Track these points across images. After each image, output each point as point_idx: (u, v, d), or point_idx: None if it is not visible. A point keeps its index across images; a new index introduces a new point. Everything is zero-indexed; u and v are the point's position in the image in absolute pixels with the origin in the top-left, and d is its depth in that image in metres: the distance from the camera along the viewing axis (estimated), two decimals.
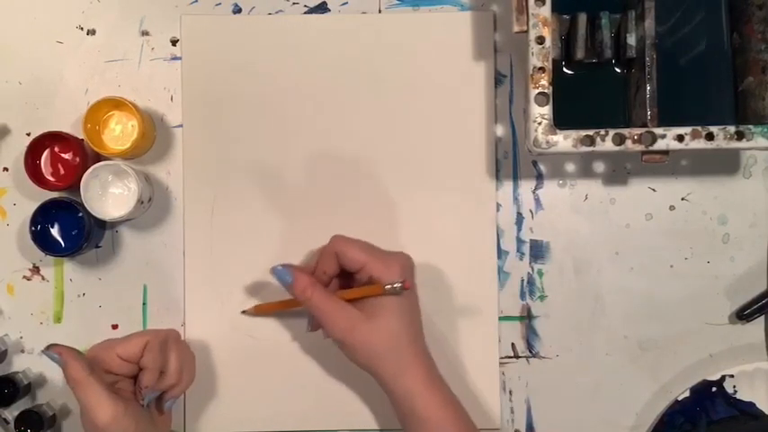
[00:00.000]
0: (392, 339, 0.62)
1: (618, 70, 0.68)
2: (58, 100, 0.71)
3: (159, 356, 0.63)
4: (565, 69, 0.68)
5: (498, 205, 0.71)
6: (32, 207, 0.67)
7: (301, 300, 0.63)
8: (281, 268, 0.64)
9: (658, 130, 0.61)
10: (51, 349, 0.59)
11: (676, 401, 0.69)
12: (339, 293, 0.64)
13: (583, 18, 0.66)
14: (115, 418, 0.59)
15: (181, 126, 0.71)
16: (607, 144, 0.61)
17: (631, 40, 0.65)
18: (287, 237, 0.71)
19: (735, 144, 0.61)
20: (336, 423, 0.70)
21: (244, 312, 0.70)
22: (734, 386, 0.69)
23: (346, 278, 0.66)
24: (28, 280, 0.71)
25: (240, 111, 0.71)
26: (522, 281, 0.71)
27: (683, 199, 0.71)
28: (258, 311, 0.70)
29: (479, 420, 0.70)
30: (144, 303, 0.71)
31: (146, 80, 0.71)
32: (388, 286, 0.61)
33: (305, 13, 0.71)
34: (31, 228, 0.67)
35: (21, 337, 0.71)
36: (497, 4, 0.71)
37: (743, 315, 0.69)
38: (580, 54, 0.66)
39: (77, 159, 0.68)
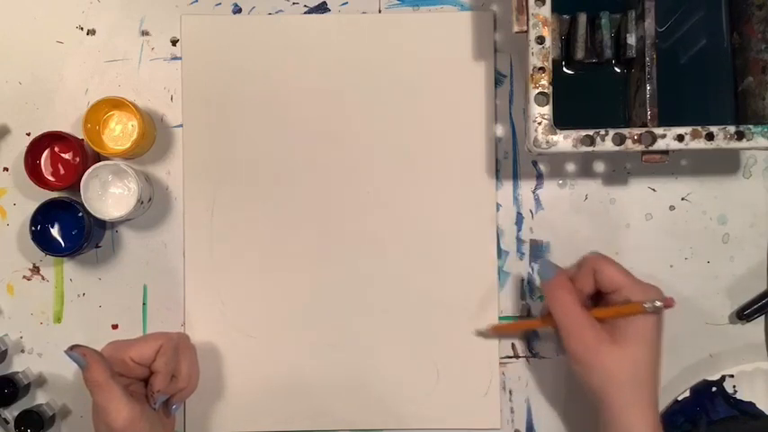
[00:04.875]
0: (635, 369, 0.59)
1: (618, 70, 0.68)
2: (57, 100, 0.71)
3: (172, 360, 0.63)
4: (565, 69, 0.68)
5: (498, 205, 0.71)
6: (32, 207, 0.67)
7: (550, 299, 0.61)
8: (545, 261, 0.62)
9: (658, 130, 0.61)
10: (75, 350, 0.59)
11: (676, 401, 0.69)
12: (593, 311, 0.61)
13: (583, 18, 0.66)
14: (132, 421, 0.59)
15: (181, 126, 0.71)
16: (607, 144, 0.61)
17: (631, 40, 0.65)
18: (287, 236, 0.71)
19: (735, 144, 0.61)
20: (336, 423, 0.70)
21: (479, 332, 0.69)
22: (734, 386, 0.69)
23: (597, 301, 0.63)
24: (28, 280, 0.71)
25: (240, 111, 0.71)
26: (522, 281, 0.71)
27: (683, 199, 0.71)
28: (496, 332, 0.68)
29: (479, 420, 0.70)
30: (144, 303, 0.71)
31: (146, 80, 0.71)
32: (648, 305, 0.58)
33: (305, 13, 0.72)
34: (31, 228, 0.67)
35: (21, 337, 0.71)
36: (497, 4, 0.71)
37: (743, 315, 0.69)
38: (580, 54, 0.66)
39: (77, 159, 0.68)
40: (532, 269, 0.71)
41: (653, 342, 0.60)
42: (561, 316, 0.60)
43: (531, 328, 0.68)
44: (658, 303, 0.59)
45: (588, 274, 0.62)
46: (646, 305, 0.59)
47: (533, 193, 0.71)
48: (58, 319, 0.71)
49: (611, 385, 0.59)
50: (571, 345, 0.60)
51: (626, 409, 0.58)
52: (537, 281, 0.70)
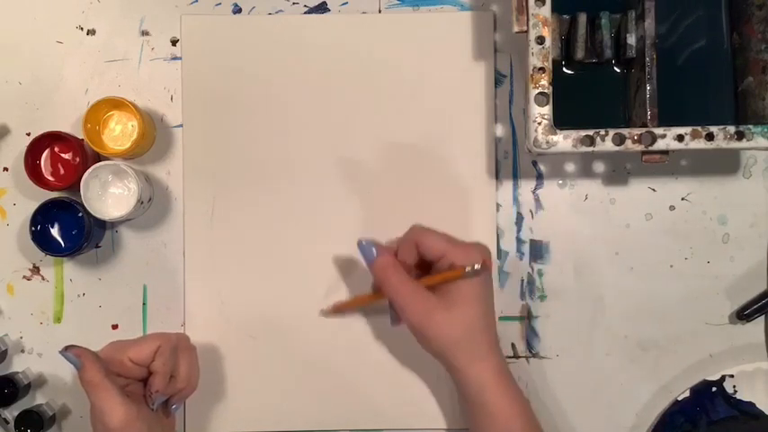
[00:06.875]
0: (468, 328, 0.61)
1: (618, 70, 0.68)
2: (57, 100, 0.71)
3: (170, 361, 0.63)
4: (565, 69, 0.68)
5: (498, 205, 0.71)
6: (32, 207, 0.67)
7: (379, 280, 0.62)
8: (365, 243, 0.63)
9: (658, 130, 0.61)
10: (69, 350, 0.59)
11: (676, 401, 0.69)
12: (421, 280, 0.63)
13: (583, 18, 0.66)
14: (128, 421, 0.59)
15: (181, 126, 0.71)
16: (607, 144, 0.61)
17: (631, 40, 0.65)
18: (287, 237, 0.71)
19: (735, 144, 0.61)
20: (336, 423, 0.70)
21: (322, 312, 0.70)
22: (734, 386, 0.69)
23: (426, 269, 0.65)
24: (28, 280, 0.71)
25: (240, 111, 0.71)
26: (522, 281, 0.71)
27: (683, 199, 0.71)
28: (337, 310, 0.69)
29: None
30: (144, 303, 0.71)
31: (146, 80, 0.71)
32: (468, 268, 0.61)
33: (305, 13, 0.72)
34: (31, 228, 0.67)
35: (21, 337, 0.71)
36: (497, 4, 0.71)
37: (743, 315, 0.69)
38: (580, 54, 0.66)
39: (77, 159, 0.68)
40: (532, 269, 0.71)
41: (480, 300, 0.62)
42: (393, 293, 0.62)
43: (369, 303, 0.69)
44: (477, 266, 0.61)
45: (411, 247, 0.63)
46: (466, 269, 0.61)
47: (533, 193, 0.71)
48: (58, 319, 0.71)
49: (449, 347, 0.62)
50: (407, 317, 0.62)
51: (470, 365, 0.62)
52: (537, 284, 0.70)
